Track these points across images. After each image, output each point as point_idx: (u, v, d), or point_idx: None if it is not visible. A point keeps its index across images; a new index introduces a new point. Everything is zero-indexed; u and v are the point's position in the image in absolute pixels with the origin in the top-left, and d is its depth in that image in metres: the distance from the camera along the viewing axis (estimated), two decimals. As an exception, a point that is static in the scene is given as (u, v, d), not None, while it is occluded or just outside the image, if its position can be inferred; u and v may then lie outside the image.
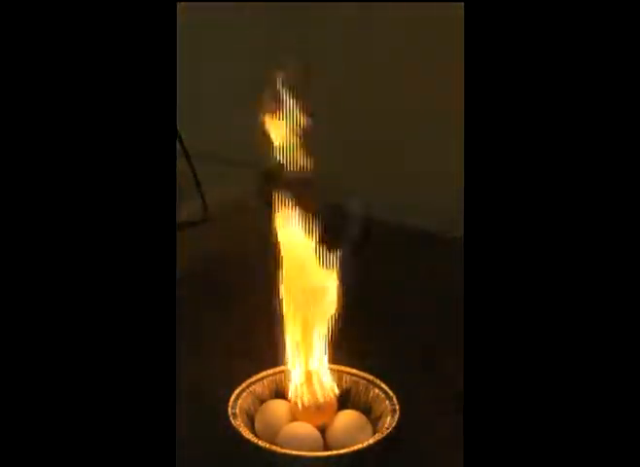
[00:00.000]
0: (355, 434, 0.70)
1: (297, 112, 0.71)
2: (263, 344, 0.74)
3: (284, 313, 0.72)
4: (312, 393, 0.73)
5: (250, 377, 0.75)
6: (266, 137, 0.72)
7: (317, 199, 0.71)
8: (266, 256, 0.73)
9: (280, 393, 0.75)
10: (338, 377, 0.75)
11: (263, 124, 0.72)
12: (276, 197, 0.71)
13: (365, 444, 0.68)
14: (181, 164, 1.08)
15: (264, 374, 0.76)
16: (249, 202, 1.17)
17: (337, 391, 0.73)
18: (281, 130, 0.72)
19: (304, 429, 0.71)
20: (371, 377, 0.75)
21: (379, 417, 0.73)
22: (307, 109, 0.72)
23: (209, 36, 1.19)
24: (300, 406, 0.72)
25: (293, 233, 0.72)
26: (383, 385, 0.75)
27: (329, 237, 0.72)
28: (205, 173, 1.15)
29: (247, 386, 0.75)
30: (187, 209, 1.08)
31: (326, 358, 0.74)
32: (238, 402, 0.73)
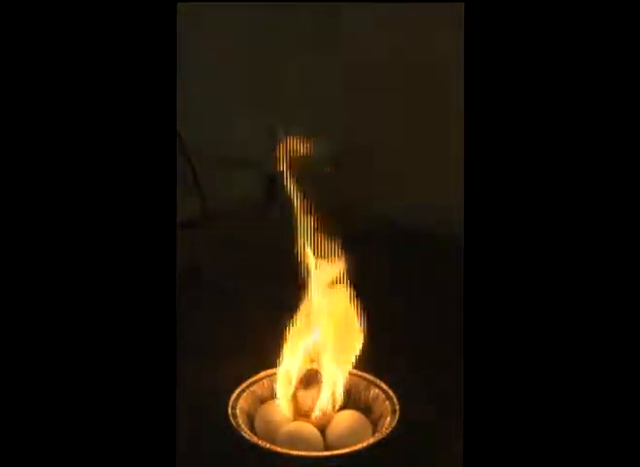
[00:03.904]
0: (355, 434, 0.70)
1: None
2: (263, 344, 0.74)
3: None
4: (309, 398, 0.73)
5: (250, 377, 0.75)
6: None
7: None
8: (265, 256, 0.73)
9: (280, 393, 0.75)
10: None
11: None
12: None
13: (365, 444, 0.68)
14: (181, 164, 1.08)
15: (264, 374, 0.76)
16: (249, 202, 1.17)
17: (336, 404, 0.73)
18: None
19: (304, 429, 0.71)
20: (371, 378, 0.75)
21: (379, 417, 0.73)
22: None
23: (210, 36, 1.19)
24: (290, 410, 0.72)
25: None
26: (383, 385, 0.75)
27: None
28: (205, 173, 1.15)
29: (247, 386, 0.75)
30: (187, 209, 1.08)
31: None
32: (238, 402, 0.73)
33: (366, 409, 0.74)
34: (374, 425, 0.72)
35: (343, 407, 0.74)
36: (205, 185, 1.15)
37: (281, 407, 0.73)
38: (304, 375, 0.73)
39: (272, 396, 0.75)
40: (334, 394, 0.73)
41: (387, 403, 0.73)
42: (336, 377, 0.73)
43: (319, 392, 0.72)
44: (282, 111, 1.17)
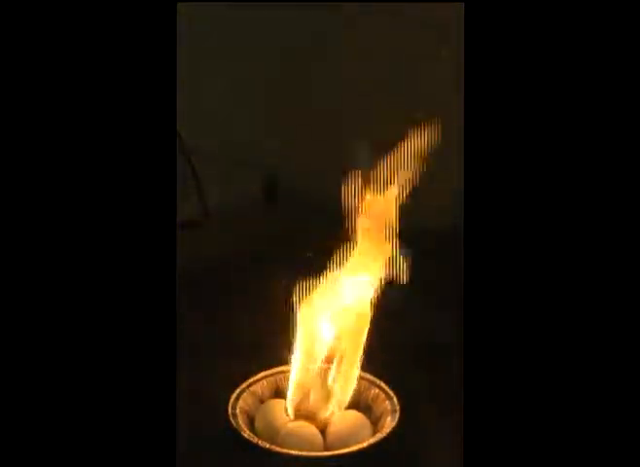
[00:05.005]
0: (355, 434, 0.70)
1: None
2: (263, 344, 0.74)
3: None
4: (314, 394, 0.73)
5: (250, 377, 0.75)
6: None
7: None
8: (265, 256, 0.73)
9: (280, 393, 0.75)
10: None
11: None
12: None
13: (365, 444, 0.68)
14: (181, 164, 1.08)
15: (264, 374, 0.76)
16: (249, 202, 1.17)
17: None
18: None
19: (304, 429, 0.71)
20: (371, 377, 0.75)
21: (379, 417, 0.73)
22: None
23: (210, 35, 1.19)
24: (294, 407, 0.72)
25: None
26: (383, 385, 0.75)
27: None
28: (205, 173, 1.15)
29: (247, 386, 0.75)
30: (187, 209, 1.08)
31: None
32: (238, 402, 0.73)
33: (366, 409, 0.74)
34: (374, 425, 0.72)
35: (344, 407, 0.74)
36: (205, 185, 1.15)
37: (285, 407, 0.73)
38: (309, 375, 0.73)
39: (272, 396, 0.75)
40: (340, 394, 0.73)
41: (387, 403, 0.73)
42: (345, 376, 0.73)
43: (322, 393, 0.73)
44: (282, 111, 1.18)
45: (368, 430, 0.71)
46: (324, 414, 0.72)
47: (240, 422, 0.70)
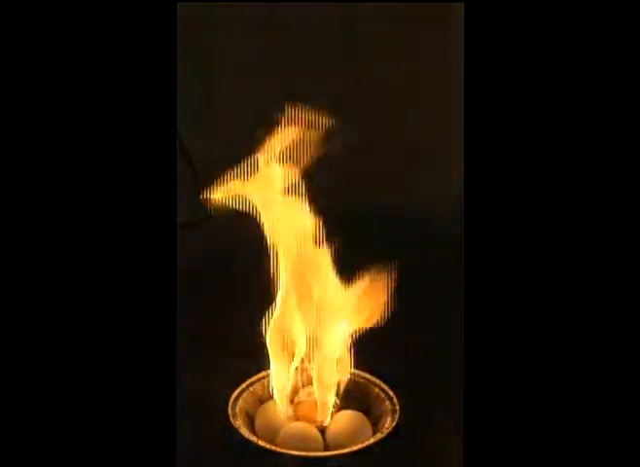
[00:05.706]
0: (355, 434, 0.70)
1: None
2: (262, 344, 0.74)
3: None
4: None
5: (250, 377, 0.75)
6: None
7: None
8: (265, 255, 0.73)
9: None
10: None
11: None
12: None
13: (365, 444, 0.68)
14: (181, 165, 1.08)
15: (264, 374, 0.76)
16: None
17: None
18: None
19: (304, 429, 0.71)
20: (371, 378, 0.75)
21: (379, 417, 0.73)
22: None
23: (210, 36, 1.19)
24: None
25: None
26: (383, 385, 0.75)
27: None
28: (206, 173, 1.15)
29: (247, 386, 0.75)
30: (187, 209, 1.07)
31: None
32: (238, 402, 0.73)
33: (366, 409, 0.74)
34: (374, 425, 0.72)
35: (345, 407, 0.74)
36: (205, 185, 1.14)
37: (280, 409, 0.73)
38: (304, 376, 0.73)
39: (272, 396, 0.75)
40: (335, 394, 0.73)
41: (387, 403, 0.73)
42: (334, 376, 0.73)
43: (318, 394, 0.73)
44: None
45: (368, 430, 0.71)
46: (321, 416, 0.72)
47: (240, 422, 0.70)
